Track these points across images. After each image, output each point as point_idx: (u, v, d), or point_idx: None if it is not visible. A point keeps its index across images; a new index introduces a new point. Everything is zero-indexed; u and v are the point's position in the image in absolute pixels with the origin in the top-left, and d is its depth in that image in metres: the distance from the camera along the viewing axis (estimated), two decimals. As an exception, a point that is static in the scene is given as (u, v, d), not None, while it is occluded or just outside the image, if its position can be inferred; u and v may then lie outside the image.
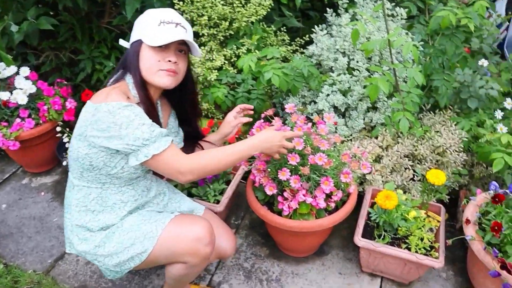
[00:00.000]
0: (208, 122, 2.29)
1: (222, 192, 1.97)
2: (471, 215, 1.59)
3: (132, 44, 1.33)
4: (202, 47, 2.27)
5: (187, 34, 1.32)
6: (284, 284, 1.79)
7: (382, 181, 1.86)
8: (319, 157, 1.48)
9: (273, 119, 1.65)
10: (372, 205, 1.82)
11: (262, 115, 1.70)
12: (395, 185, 1.89)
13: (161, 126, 1.42)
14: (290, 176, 1.52)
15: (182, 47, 1.35)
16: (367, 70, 2.01)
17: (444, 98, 1.98)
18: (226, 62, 2.25)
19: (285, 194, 1.58)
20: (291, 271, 1.84)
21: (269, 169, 1.57)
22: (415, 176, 1.92)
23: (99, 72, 2.54)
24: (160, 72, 1.31)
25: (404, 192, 1.92)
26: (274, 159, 1.54)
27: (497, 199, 1.43)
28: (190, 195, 1.92)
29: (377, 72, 1.86)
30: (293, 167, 1.51)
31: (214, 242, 1.37)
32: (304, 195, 1.56)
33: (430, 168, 1.92)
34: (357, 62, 2.06)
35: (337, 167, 1.57)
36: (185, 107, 1.56)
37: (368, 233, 1.70)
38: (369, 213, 1.70)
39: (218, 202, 1.90)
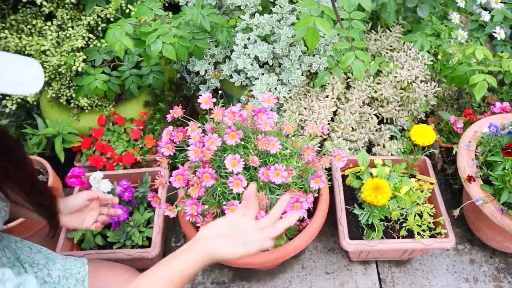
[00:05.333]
0: (98, 119, 1.66)
1: (149, 223, 1.43)
2: (470, 168, 1.24)
3: None
4: (49, 24, 1.54)
5: None
6: (265, 313, 1.39)
7: (350, 148, 1.44)
8: (275, 173, 0.98)
9: (190, 120, 1.10)
10: (344, 178, 1.41)
11: (169, 118, 1.13)
12: (363, 142, 1.48)
13: None
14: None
15: None
16: (292, 2, 1.45)
17: (391, 14, 1.52)
18: (91, 35, 1.56)
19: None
20: (268, 290, 1.44)
21: (206, 205, 1.05)
22: (381, 124, 1.52)
23: None
24: None
25: (370, 151, 1.51)
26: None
27: (509, 150, 1.07)
28: (102, 247, 1.37)
29: (307, 8, 1.31)
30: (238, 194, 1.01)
31: None
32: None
33: (396, 110, 1.52)
34: (273, -7, 1.49)
35: (297, 168, 1.09)
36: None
37: (352, 224, 1.30)
38: (353, 215, 1.29)
39: (149, 239, 1.38)
